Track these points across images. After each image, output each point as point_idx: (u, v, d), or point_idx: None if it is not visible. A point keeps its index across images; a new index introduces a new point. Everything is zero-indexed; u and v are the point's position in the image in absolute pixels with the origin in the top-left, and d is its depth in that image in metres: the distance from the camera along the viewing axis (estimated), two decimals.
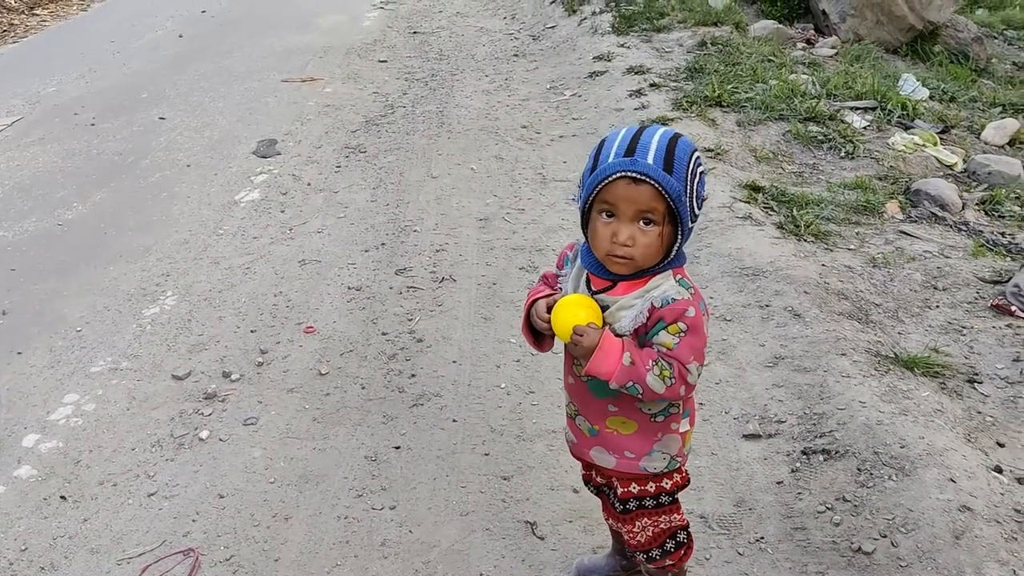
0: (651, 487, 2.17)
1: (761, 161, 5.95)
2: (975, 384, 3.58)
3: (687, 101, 6.75)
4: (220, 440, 3.57)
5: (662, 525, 2.24)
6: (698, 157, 1.83)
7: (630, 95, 7.14)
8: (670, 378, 1.84)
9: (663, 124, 6.16)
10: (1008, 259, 4.77)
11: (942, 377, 3.58)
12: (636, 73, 7.60)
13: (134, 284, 4.89)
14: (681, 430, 2.11)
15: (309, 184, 6.10)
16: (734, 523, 2.95)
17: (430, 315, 4.40)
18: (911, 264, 4.61)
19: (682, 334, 1.84)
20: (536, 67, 8.70)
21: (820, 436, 3.23)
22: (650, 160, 1.75)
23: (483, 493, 3.19)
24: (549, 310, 1.95)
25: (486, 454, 3.40)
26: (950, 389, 3.51)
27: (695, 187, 1.81)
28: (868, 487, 2.94)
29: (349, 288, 4.71)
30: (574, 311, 1.89)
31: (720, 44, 8.20)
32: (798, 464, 3.14)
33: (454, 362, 4.01)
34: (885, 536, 2.75)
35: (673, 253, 1.88)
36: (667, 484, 2.18)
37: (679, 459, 2.15)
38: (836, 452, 3.13)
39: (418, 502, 3.16)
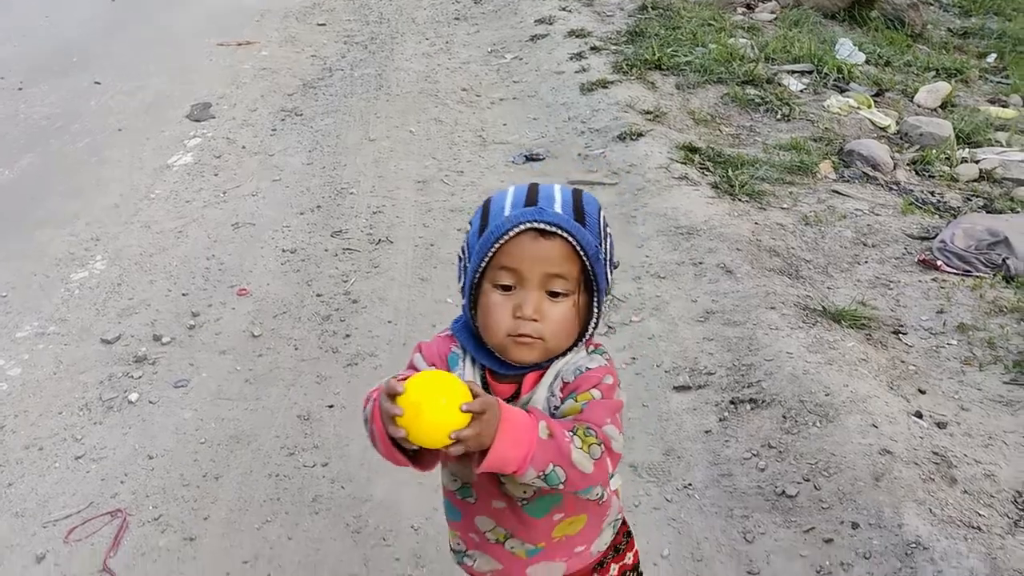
0: (614, 570, 1.77)
1: (699, 123, 5.99)
2: (900, 335, 3.66)
3: (627, 64, 6.76)
4: (150, 403, 3.51)
5: None
6: (604, 215, 1.48)
7: (571, 58, 7.13)
8: (597, 446, 1.38)
9: (603, 87, 6.18)
10: (936, 216, 4.88)
11: (868, 329, 3.66)
12: (577, 36, 7.58)
13: (62, 249, 4.76)
14: (615, 486, 1.71)
15: (244, 147, 5.99)
16: (663, 471, 2.99)
17: (366, 276, 4.37)
18: (842, 222, 4.69)
19: (593, 400, 1.43)
20: (477, 30, 8.63)
21: (748, 386, 3.28)
22: (558, 209, 1.39)
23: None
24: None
25: None
26: (875, 340, 3.59)
27: (608, 248, 1.46)
28: (793, 434, 3.00)
29: (283, 251, 4.64)
30: (438, 405, 1.27)
31: (661, 8, 8.23)
32: (726, 413, 3.19)
33: (389, 322, 3.99)
34: (808, 480, 2.81)
35: (589, 332, 1.47)
36: (630, 559, 1.81)
37: (620, 516, 1.76)
38: (763, 401, 3.18)
39: (350, 459, 3.14)
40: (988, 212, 4.92)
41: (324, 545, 2.78)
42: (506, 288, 1.39)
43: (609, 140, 5.60)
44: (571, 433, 1.37)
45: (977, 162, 5.73)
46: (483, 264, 1.39)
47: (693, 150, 5.38)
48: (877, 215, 4.77)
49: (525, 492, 1.52)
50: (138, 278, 4.45)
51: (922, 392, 3.23)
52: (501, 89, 6.96)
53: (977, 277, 4.11)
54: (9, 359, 3.84)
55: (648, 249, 4.41)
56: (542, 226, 1.36)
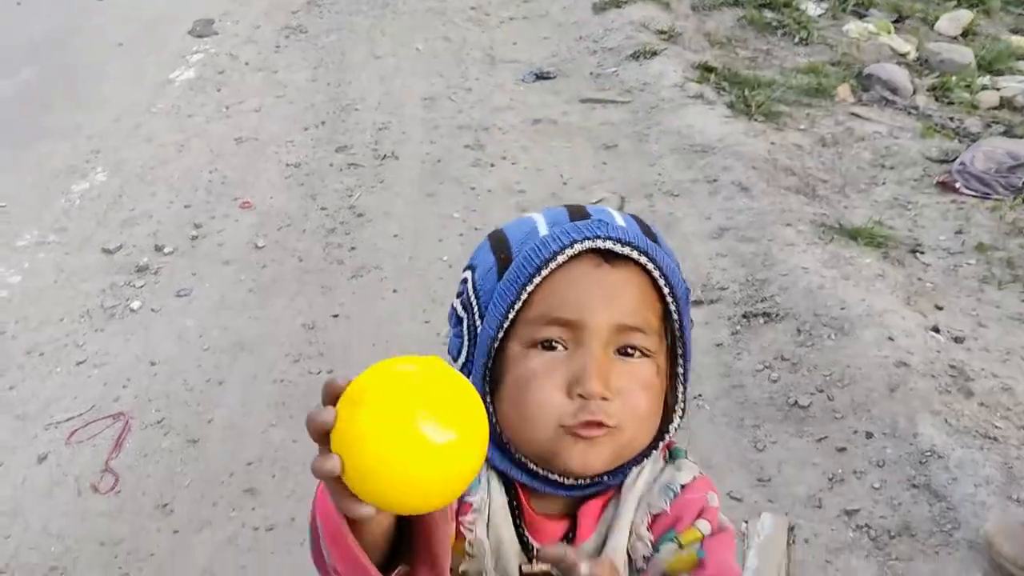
0: None
1: (714, 45, 5.83)
2: (917, 254, 3.58)
3: None
4: (152, 311, 3.46)
5: None
6: None
7: None
8: None
9: (616, 7, 6.00)
10: (955, 140, 4.76)
11: (885, 247, 3.58)
12: None
13: (62, 161, 4.67)
14: None
15: (247, 64, 5.85)
16: None
17: (371, 191, 4.28)
18: (860, 144, 4.58)
19: (706, 539, 0.91)
20: None
21: (761, 300, 3.21)
22: (621, 222, 0.88)
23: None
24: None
25: (426, 322, 3.34)
26: (892, 258, 3.51)
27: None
28: (807, 346, 2.94)
29: (287, 165, 4.55)
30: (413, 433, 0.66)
31: None
32: (738, 327, 3.12)
33: (395, 236, 3.91)
34: (822, 391, 2.76)
35: (676, 419, 0.93)
36: None
37: None
38: (776, 315, 3.12)
39: (356, 366, 3.05)
40: (1009, 137, 4.80)
41: None
42: (550, 346, 0.84)
43: (622, 59, 5.45)
44: None
45: (998, 90, 5.58)
46: (511, 314, 0.83)
47: (709, 70, 5.24)
48: (896, 138, 4.65)
49: None
50: (139, 190, 4.37)
51: (939, 308, 3.16)
52: (511, 8, 6.77)
53: (996, 199, 4.01)
54: (9, 267, 3.78)
55: (661, 167, 4.31)
56: (610, 245, 0.82)
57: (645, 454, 0.91)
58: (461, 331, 0.92)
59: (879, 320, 2.97)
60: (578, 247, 0.82)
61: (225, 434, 2.82)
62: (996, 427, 2.57)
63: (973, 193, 4.10)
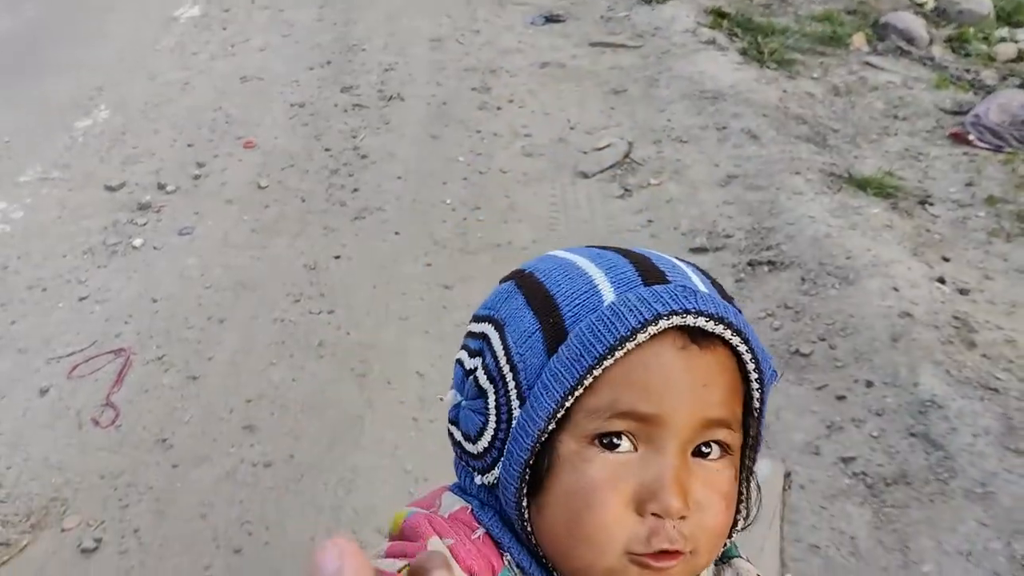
0: None
1: None
2: (926, 205, 3.53)
3: None
4: (154, 248, 3.45)
5: None
6: None
7: None
8: None
9: None
10: (971, 92, 4.67)
11: (895, 198, 3.53)
12: None
13: (65, 97, 4.63)
14: None
15: (253, 2, 5.77)
16: None
17: (376, 132, 4.23)
18: (873, 93, 4.50)
19: None
20: None
21: (767, 249, 3.18)
22: (699, 284, 0.67)
23: (423, 300, 3.13)
24: None
25: (428, 264, 3.32)
26: (901, 209, 3.46)
27: None
28: (811, 295, 2.92)
29: (292, 105, 4.50)
30: None
31: None
32: (743, 275, 3.10)
33: (399, 178, 3.88)
34: (824, 339, 2.74)
35: (741, 525, 0.75)
36: None
37: None
38: (782, 263, 3.09)
39: (357, 307, 3.09)
40: None
41: (329, 387, 2.75)
42: (613, 444, 0.64)
43: (633, 3, 5.36)
44: None
45: (1016, 42, 5.46)
46: (567, 402, 0.63)
47: (722, 15, 5.15)
48: (910, 88, 4.58)
49: None
50: (143, 127, 4.34)
51: (946, 260, 3.13)
52: None
53: (1009, 152, 3.95)
54: (12, 202, 3.77)
55: (671, 113, 4.25)
56: (701, 323, 0.63)
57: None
58: (485, 408, 0.69)
59: (885, 270, 2.94)
60: (664, 324, 0.62)
61: (225, 371, 2.83)
62: (998, 379, 2.56)
63: (986, 146, 4.04)
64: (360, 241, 3.46)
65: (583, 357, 0.62)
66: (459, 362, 0.73)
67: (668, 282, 0.64)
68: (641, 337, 0.61)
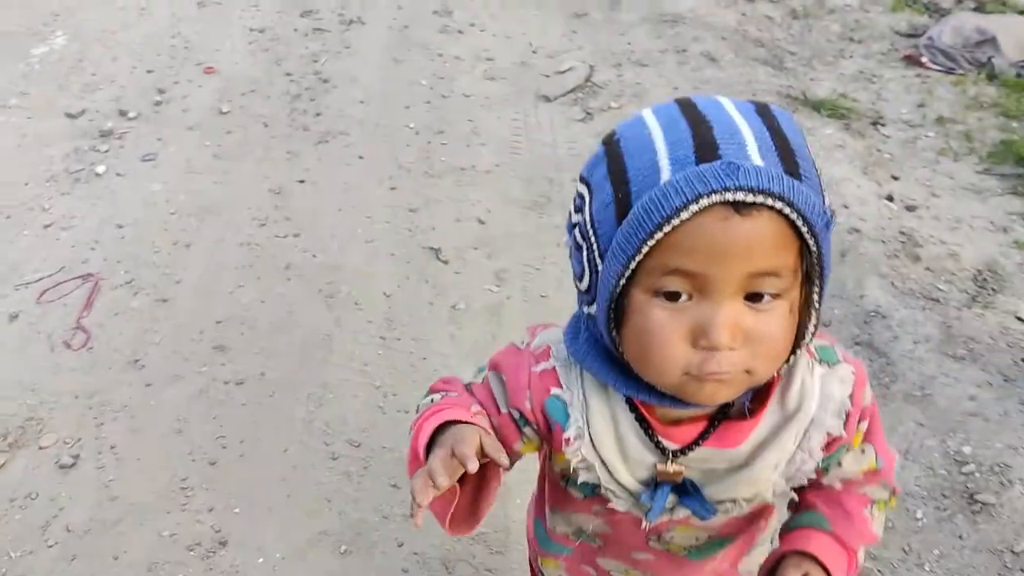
0: None
1: None
2: (878, 126, 3.63)
3: None
4: (118, 175, 3.45)
5: None
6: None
7: None
8: (889, 501, 1.06)
9: None
10: (926, 15, 4.74)
11: (848, 119, 3.62)
12: None
13: (19, 23, 4.54)
14: None
15: None
16: None
17: (337, 56, 4.22)
18: (830, 16, 4.56)
19: (872, 437, 0.99)
20: None
21: None
22: (756, 157, 0.75)
23: (388, 223, 3.18)
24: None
25: (393, 188, 3.36)
26: (854, 129, 3.56)
27: (824, 194, 0.83)
28: None
29: (251, 30, 4.46)
30: None
31: None
32: None
33: (361, 102, 3.89)
34: None
35: (807, 338, 0.87)
36: None
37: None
38: None
39: (322, 230, 3.14)
40: (979, 13, 4.78)
41: (297, 308, 2.82)
42: (675, 296, 0.79)
43: None
44: (867, 510, 1.02)
45: None
46: (633, 264, 0.78)
47: None
48: (866, 11, 4.64)
49: (697, 539, 1.07)
50: (101, 54, 4.28)
51: (895, 178, 3.24)
52: None
53: (960, 74, 4.05)
54: None
55: (631, 36, 4.28)
56: (740, 197, 0.73)
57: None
58: (582, 259, 0.85)
59: (835, 188, 3.04)
60: (704, 202, 0.73)
61: (194, 294, 2.88)
62: (940, 289, 2.69)
63: (938, 68, 4.13)
64: (324, 165, 3.49)
65: (640, 230, 0.75)
66: (570, 213, 0.89)
67: (719, 158, 0.74)
68: (685, 214, 0.73)
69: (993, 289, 2.71)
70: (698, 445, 0.92)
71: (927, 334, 2.50)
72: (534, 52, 4.24)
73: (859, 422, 0.94)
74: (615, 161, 0.81)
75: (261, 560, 2.10)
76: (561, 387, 0.94)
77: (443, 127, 3.73)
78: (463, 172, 3.45)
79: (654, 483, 0.94)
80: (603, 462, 0.93)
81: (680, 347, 0.79)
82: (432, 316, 2.77)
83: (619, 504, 0.97)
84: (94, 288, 2.91)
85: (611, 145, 0.83)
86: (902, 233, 2.88)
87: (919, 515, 2.06)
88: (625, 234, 0.77)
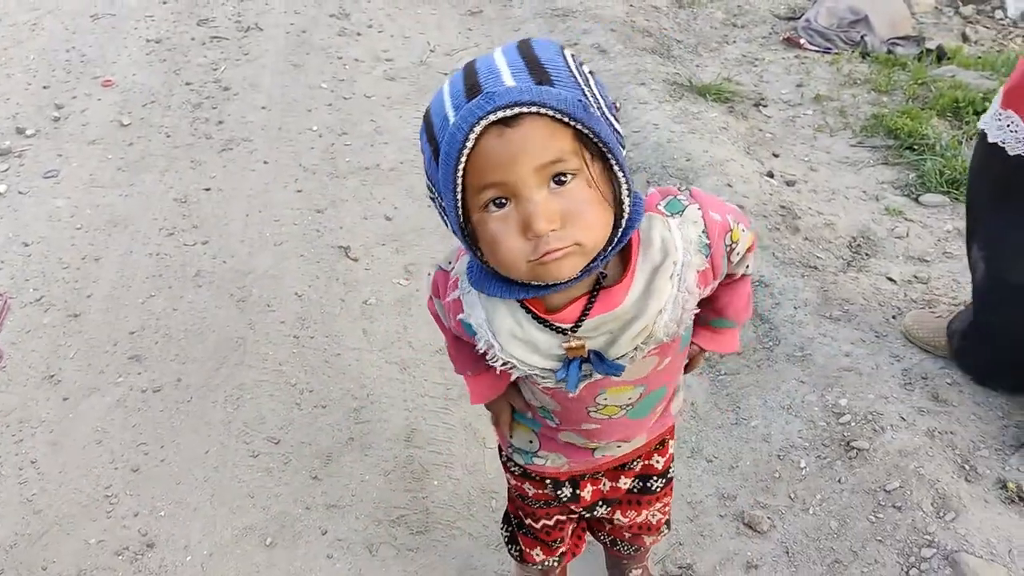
0: (637, 466, 1.56)
1: None
2: (760, 107, 3.84)
3: None
4: (20, 193, 3.44)
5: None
6: (573, 53, 1.04)
7: None
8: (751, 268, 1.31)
9: None
10: None
11: (732, 102, 3.82)
12: None
13: None
14: None
15: None
16: None
17: (236, 64, 4.25)
18: (714, 3, 4.77)
19: (738, 246, 1.18)
20: None
21: None
22: (508, 81, 0.95)
23: (296, 225, 3.25)
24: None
25: (299, 191, 3.43)
26: (737, 112, 3.76)
27: (596, 91, 1.01)
28: None
29: (148, 40, 4.46)
30: None
31: None
32: None
33: (263, 108, 3.94)
34: None
35: (626, 203, 1.04)
36: (660, 464, 1.58)
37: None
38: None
39: (231, 236, 3.19)
40: None
41: (210, 314, 2.87)
42: (500, 203, 0.98)
43: None
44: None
45: None
46: (457, 195, 0.98)
47: None
48: None
49: (630, 399, 1.29)
50: None
51: (776, 156, 3.44)
52: None
53: (836, 53, 4.29)
54: None
55: (524, 32, 4.42)
56: (500, 115, 0.92)
57: (623, 234, 1.06)
58: (437, 208, 1.07)
59: (720, 169, 3.23)
60: (478, 129, 0.93)
61: (106, 306, 2.91)
62: (818, 257, 2.89)
63: (815, 48, 4.37)
64: (229, 172, 3.53)
65: (448, 169, 0.96)
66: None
67: (480, 91, 0.94)
68: (469, 143, 0.94)
69: (867, 254, 2.93)
70: (586, 316, 1.11)
71: (806, 299, 2.70)
72: (432, 51, 4.35)
73: (723, 233, 1.14)
74: (427, 124, 1.02)
75: (189, 558, 2.17)
76: (463, 312, 1.18)
77: (346, 128, 3.81)
78: (368, 171, 3.54)
79: (567, 361, 1.15)
80: (519, 360, 1.16)
81: (516, 242, 0.98)
82: (344, 312, 2.86)
83: (546, 383, 1.20)
84: (4, 307, 2.91)
85: (425, 114, 1.03)
86: (782, 207, 3.07)
87: (803, 464, 2.24)
88: (443, 172, 0.97)
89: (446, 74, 4.15)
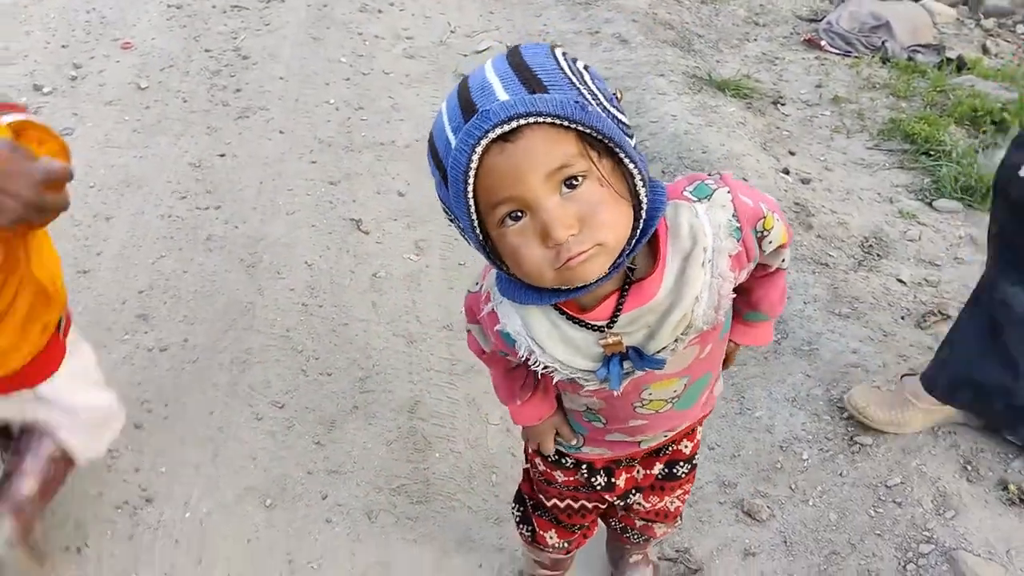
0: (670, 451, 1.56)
1: None
2: (778, 105, 3.84)
3: None
4: None
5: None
6: (564, 52, 1.02)
7: None
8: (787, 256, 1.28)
9: None
10: (826, 1, 4.99)
11: (750, 98, 3.82)
12: None
13: None
14: None
15: None
16: None
17: (256, 34, 4.25)
18: (736, 1, 4.76)
19: (773, 231, 1.14)
20: None
21: None
22: (502, 95, 0.94)
23: (310, 195, 3.25)
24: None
25: (313, 162, 3.43)
26: (755, 108, 3.75)
27: (592, 86, 0.99)
28: None
29: (169, 6, 4.46)
30: None
31: None
32: None
33: (281, 79, 3.94)
34: None
35: (643, 194, 1.01)
36: (688, 449, 1.59)
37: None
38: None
39: (244, 203, 3.19)
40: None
41: (219, 278, 2.88)
42: (516, 217, 0.98)
43: None
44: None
45: None
46: (472, 215, 0.99)
47: None
48: None
49: (675, 392, 1.28)
50: (13, 29, 4.23)
51: (792, 154, 3.44)
52: None
53: (856, 57, 4.29)
54: None
55: (546, 19, 4.41)
56: (499, 131, 0.92)
57: (641, 233, 1.04)
58: (455, 227, 1.07)
59: (736, 162, 3.23)
60: (479, 149, 0.92)
61: (115, 265, 2.91)
62: (829, 255, 2.89)
63: (836, 51, 4.36)
64: (244, 140, 3.53)
65: (457, 192, 0.96)
66: None
67: (475, 111, 0.93)
68: (473, 165, 0.93)
69: (878, 254, 2.92)
70: (619, 311, 1.10)
71: (816, 295, 2.70)
72: (452, 32, 4.34)
73: (756, 219, 1.11)
74: (432, 150, 1.02)
75: (188, 515, 2.17)
76: (499, 322, 1.17)
77: (363, 103, 3.81)
78: (383, 147, 3.54)
79: (607, 359, 1.14)
80: (561, 362, 1.15)
81: (538, 253, 0.98)
82: (354, 284, 2.87)
83: (589, 386, 1.18)
84: None
85: (429, 138, 1.03)
86: (796, 204, 3.07)
87: (805, 456, 2.25)
88: (453, 196, 0.97)
89: (465, 55, 4.15)
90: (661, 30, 4.30)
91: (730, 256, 1.09)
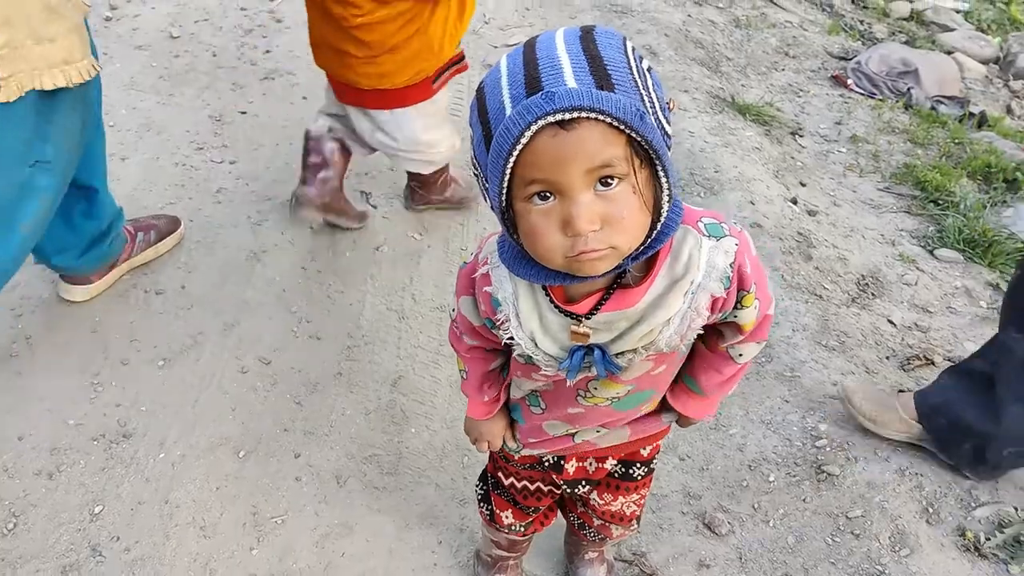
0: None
1: None
2: (796, 136, 3.86)
3: None
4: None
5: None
6: (634, 47, 1.03)
7: None
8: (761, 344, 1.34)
9: None
10: (859, 42, 5.02)
11: (769, 126, 3.85)
12: None
13: None
14: None
15: None
16: None
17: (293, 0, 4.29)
18: (770, 30, 4.79)
19: (756, 304, 1.21)
20: None
21: None
22: (571, 82, 0.95)
23: None
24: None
25: None
26: (773, 136, 3.78)
27: (652, 93, 1.01)
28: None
29: None
30: None
31: None
32: None
33: None
34: None
35: (664, 210, 1.05)
36: (647, 452, 1.65)
37: None
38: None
39: (258, 161, 3.23)
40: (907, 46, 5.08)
41: (224, 231, 2.91)
42: (545, 196, 1.01)
43: None
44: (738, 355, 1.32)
45: (911, 1, 5.84)
46: (504, 183, 1.01)
47: None
48: (804, 30, 4.88)
49: (617, 394, 1.32)
50: None
51: (803, 185, 3.47)
52: None
53: (880, 99, 4.31)
54: None
55: (580, 21, 4.44)
56: (559, 117, 0.94)
57: (656, 239, 1.07)
58: (479, 184, 1.09)
59: (746, 186, 3.26)
60: (534, 128, 0.94)
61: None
62: (824, 288, 2.92)
63: (861, 91, 4.39)
64: (267, 100, 3.57)
65: (498, 159, 0.98)
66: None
67: (540, 88, 0.95)
68: (524, 139, 0.95)
69: (873, 294, 2.95)
70: (599, 308, 1.15)
71: (805, 324, 2.73)
72: (487, 23, 4.37)
73: (743, 288, 1.16)
74: (480, 105, 1.03)
75: (162, 455, 2.21)
76: (491, 285, 1.21)
77: None
78: None
79: (571, 351, 1.20)
80: (530, 337, 1.21)
81: (555, 237, 1.01)
82: (355, 254, 2.90)
83: (547, 369, 1.24)
84: None
85: (479, 92, 1.04)
86: (799, 234, 3.10)
87: (771, 478, 2.28)
88: (492, 161, 0.99)
89: (496, 47, 4.18)
90: (691, 48, 4.33)
91: (712, 296, 1.13)
